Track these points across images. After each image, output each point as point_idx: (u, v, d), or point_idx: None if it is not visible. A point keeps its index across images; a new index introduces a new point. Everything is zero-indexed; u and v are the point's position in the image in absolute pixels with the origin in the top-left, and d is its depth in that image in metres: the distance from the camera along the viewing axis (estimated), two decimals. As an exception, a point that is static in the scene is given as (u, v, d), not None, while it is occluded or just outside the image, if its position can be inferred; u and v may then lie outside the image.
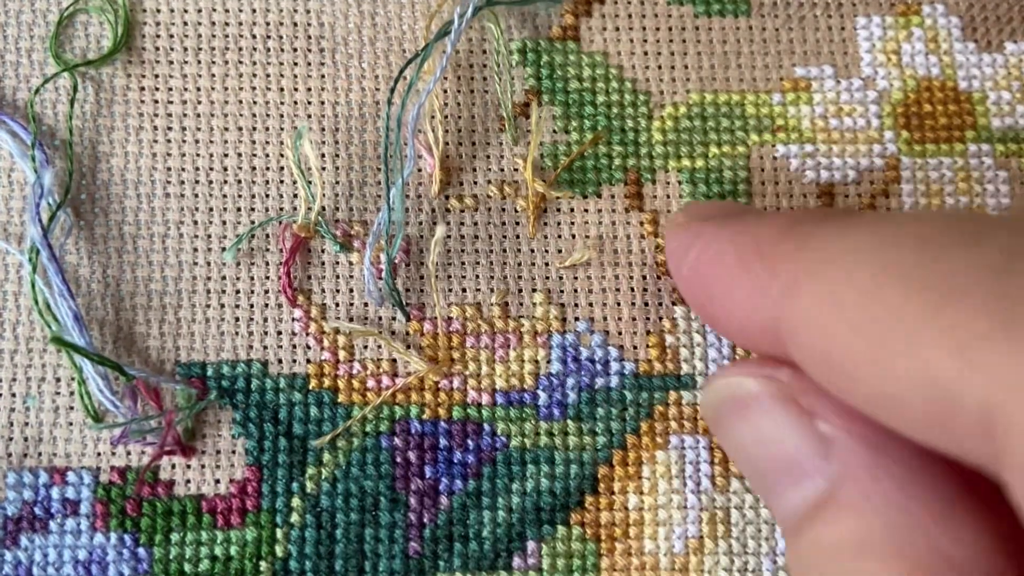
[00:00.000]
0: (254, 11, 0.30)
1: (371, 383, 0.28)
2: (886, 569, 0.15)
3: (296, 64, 0.30)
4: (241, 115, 0.30)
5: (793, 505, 0.18)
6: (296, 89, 0.30)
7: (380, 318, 0.29)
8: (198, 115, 0.30)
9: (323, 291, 0.29)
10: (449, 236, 0.29)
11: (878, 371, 0.15)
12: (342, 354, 0.28)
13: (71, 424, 0.28)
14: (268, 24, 0.30)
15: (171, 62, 0.30)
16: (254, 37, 0.30)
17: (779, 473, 0.18)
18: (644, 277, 0.29)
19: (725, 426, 0.20)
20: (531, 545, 0.28)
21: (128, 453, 0.28)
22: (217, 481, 0.28)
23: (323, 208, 0.29)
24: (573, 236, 0.29)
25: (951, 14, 0.31)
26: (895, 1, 0.31)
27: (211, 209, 0.29)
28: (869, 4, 0.31)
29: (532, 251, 0.29)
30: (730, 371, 0.20)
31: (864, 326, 0.15)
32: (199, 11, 0.30)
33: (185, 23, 0.30)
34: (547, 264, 0.29)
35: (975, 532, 0.16)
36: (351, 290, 0.29)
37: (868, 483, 0.16)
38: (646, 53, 0.31)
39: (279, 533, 0.27)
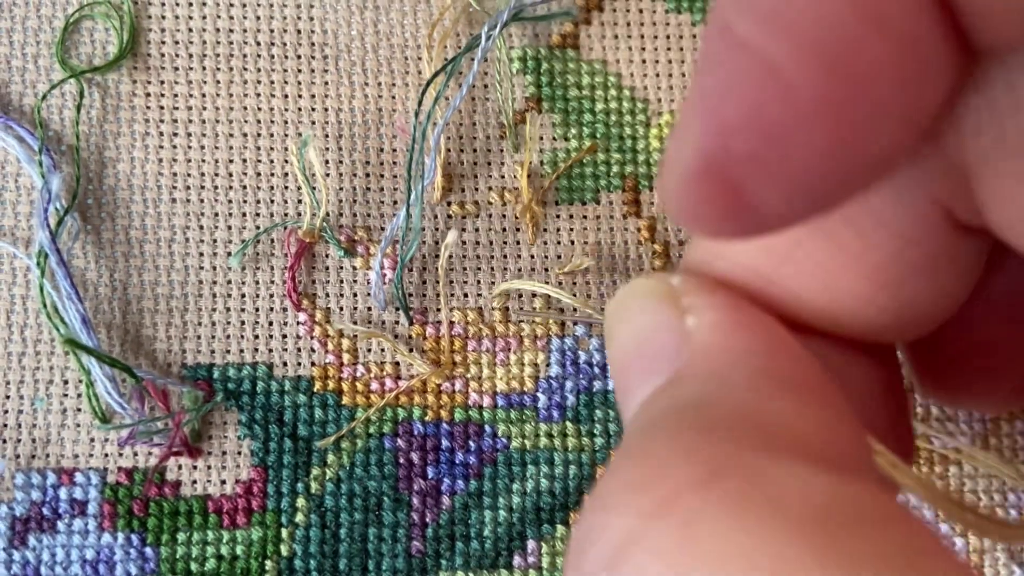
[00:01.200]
0: (258, 18, 0.31)
1: (375, 385, 0.29)
2: (708, 434, 0.14)
3: (300, 71, 0.31)
4: (246, 121, 0.30)
5: (641, 393, 0.17)
6: (300, 96, 0.30)
7: (383, 322, 0.29)
8: (203, 121, 0.30)
9: (327, 295, 0.29)
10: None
11: None
12: (346, 357, 0.29)
13: (79, 426, 0.28)
14: (272, 31, 0.31)
15: (176, 68, 0.30)
16: (258, 44, 0.31)
17: (636, 365, 0.17)
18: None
19: (608, 326, 0.19)
20: (531, 544, 0.28)
21: (135, 454, 0.28)
22: (223, 482, 0.28)
23: (327, 214, 0.29)
24: (572, 243, 0.30)
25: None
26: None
27: (216, 214, 0.30)
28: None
29: (532, 257, 0.30)
30: (636, 278, 0.19)
31: None
32: (204, 18, 0.31)
33: (190, 30, 0.31)
34: (547, 270, 0.30)
35: (809, 408, 0.15)
36: (355, 294, 0.29)
37: (711, 362, 0.16)
38: (644, 61, 0.31)
39: (284, 533, 0.28)
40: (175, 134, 0.30)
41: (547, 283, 0.29)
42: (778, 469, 0.13)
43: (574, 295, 0.29)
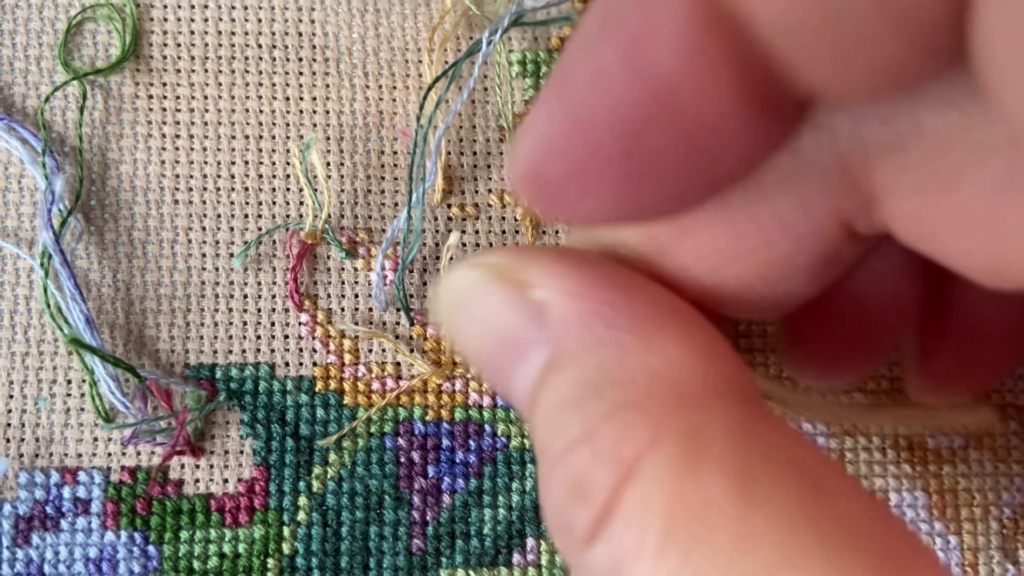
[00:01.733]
0: (260, 21, 0.31)
1: (376, 385, 0.29)
2: (603, 403, 0.15)
3: (301, 73, 0.31)
4: (248, 123, 0.30)
5: (524, 383, 0.17)
6: (301, 98, 0.31)
7: (385, 323, 0.30)
8: (205, 123, 0.30)
9: (329, 296, 0.30)
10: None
11: None
12: (348, 357, 0.29)
13: (82, 425, 0.29)
14: (274, 34, 0.31)
15: (178, 71, 0.31)
16: (260, 47, 0.31)
17: (505, 355, 0.17)
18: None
19: (454, 327, 0.19)
20: (531, 542, 0.28)
21: (138, 453, 0.28)
22: (225, 480, 0.28)
23: (329, 216, 0.30)
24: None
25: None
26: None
27: (219, 216, 0.30)
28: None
29: (532, 258, 0.30)
30: (450, 273, 0.19)
31: None
32: (206, 20, 0.31)
33: (192, 32, 0.31)
34: (547, 271, 0.30)
35: (683, 345, 0.16)
36: (356, 295, 0.30)
37: (582, 332, 0.16)
38: (642, 64, 0.31)
39: (286, 531, 0.28)
40: (177, 136, 0.30)
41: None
42: (696, 417, 0.15)
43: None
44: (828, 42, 0.12)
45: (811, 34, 0.12)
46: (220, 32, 0.31)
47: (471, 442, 0.29)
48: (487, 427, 0.29)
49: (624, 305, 0.16)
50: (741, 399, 0.15)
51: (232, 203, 0.30)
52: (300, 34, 0.31)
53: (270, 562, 0.28)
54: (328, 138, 0.30)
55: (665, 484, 0.14)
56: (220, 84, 0.31)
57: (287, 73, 0.31)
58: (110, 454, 0.28)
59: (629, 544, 0.14)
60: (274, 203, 0.30)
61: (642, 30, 0.13)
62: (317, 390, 0.29)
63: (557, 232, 0.30)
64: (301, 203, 0.30)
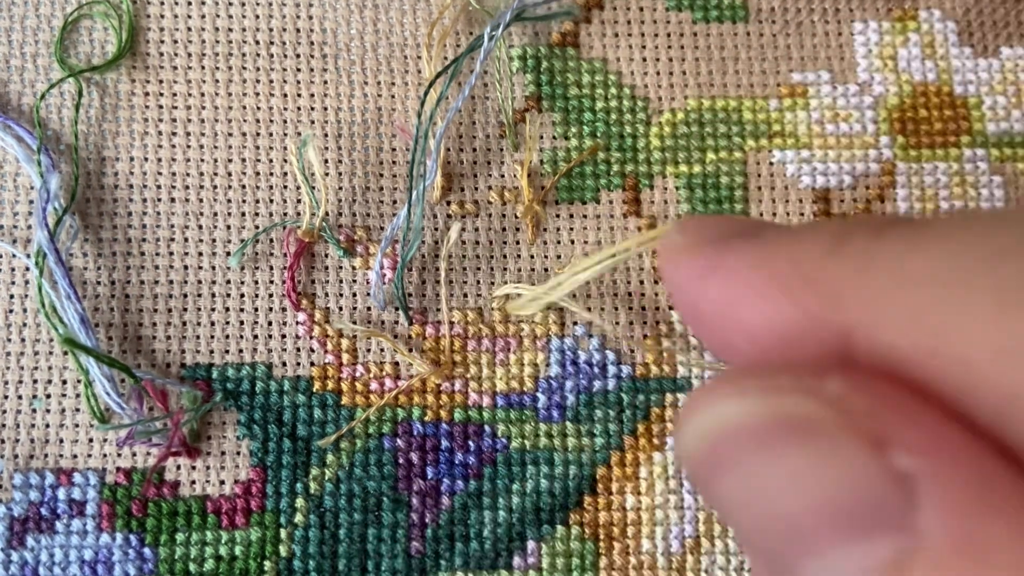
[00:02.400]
0: (257, 17, 0.31)
1: (374, 385, 0.29)
2: None
3: (299, 70, 0.30)
4: (245, 120, 0.30)
5: (832, 566, 0.13)
6: (299, 95, 0.30)
7: (383, 322, 0.29)
8: (202, 120, 0.30)
9: (327, 295, 0.29)
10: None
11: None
12: (345, 357, 0.29)
13: (77, 426, 0.28)
14: (271, 30, 0.31)
15: (175, 67, 0.30)
16: (257, 43, 0.31)
17: (832, 528, 0.13)
18: (641, 282, 0.29)
19: (732, 473, 0.14)
20: (531, 544, 0.28)
21: (133, 454, 0.28)
22: (222, 482, 0.28)
23: (327, 213, 0.29)
24: (572, 242, 0.30)
25: (947, 19, 0.32)
26: (892, 7, 0.32)
27: (215, 214, 0.30)
28: (866, 10, 0.32)
29: (532, 256, 0.30)
30: (727, 389, 0.14)
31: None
32: (203, 17, 0.31)
33: (189, 29, 0.31)
34: (546, 270, 0.30)
35: None
36: (354, 294, 0.29)
37: (963, 530, 0.12)
38: (644, 59, 0.31)
39: (283, 533, 0.28)
40: (174, 133, 0.30)
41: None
42: None
43: (574, 296, 0.29)
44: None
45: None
46: (217, 28, 0.31)
47: (470, 443, 0.28)
48: (487, 428, 0.28)
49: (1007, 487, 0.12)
50: None
51: (229, 201, 0.30)
52: (298, 30, 0.31)
53: (267, 564, 0.28)
54: (326, 135, 0.30)
55: None
56: (217, 81, 0.30)
57: (284, 70, 0.30)
58: (105, 455, 0.28)
59: None
60: (271, 201, 0.30)
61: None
62: (315, 390, 0.29)
63: (559, 230, 0.30)
64: (299, 201, 0.30)
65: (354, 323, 0.29)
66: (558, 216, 0.30)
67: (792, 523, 0.13)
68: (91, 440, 0.28)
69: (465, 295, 0.29)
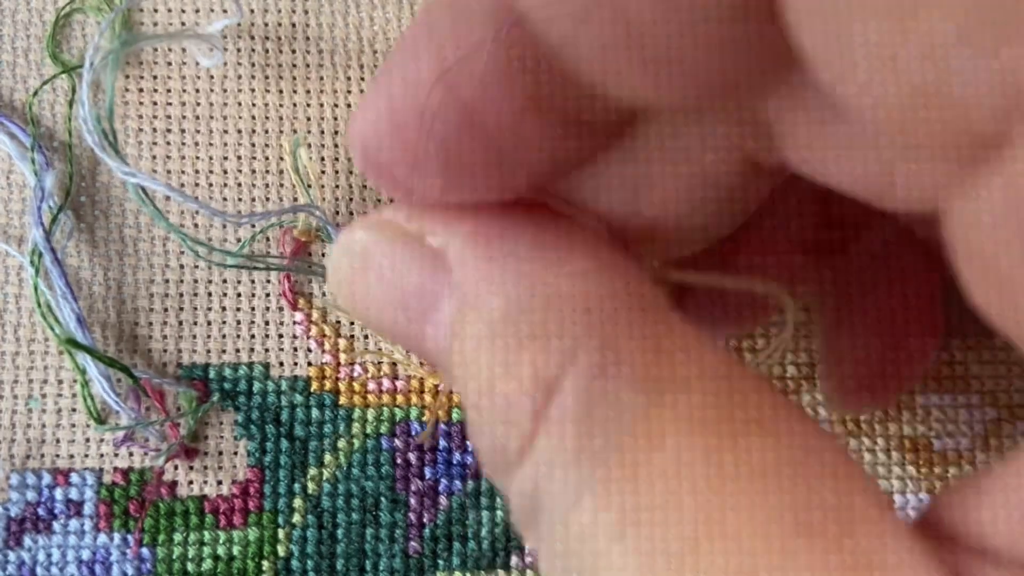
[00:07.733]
0: (252, 11, 0.30)
1: (372, 386, 0.29)
2: (517, 334, 0.15)
3: (295, 66, 0.30)
4: (240, 117, 0.30)
5: (441, 335, 0.17)
6: (295, 91, 0.30)
7: (380, 322, 0.29)
8: (197, 117, 0.30)
9: (324, 295, 0.29)
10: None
11: None
12: (343, 357, 0.29)
13: (74, 426, 0.28)
14: (266, 25, 0.30)
15: (169, 63, 0.30)
16: (252, 38, 0.30)
17: (415, 311, 0.17)
18: (641, 281, 0.29)
19: (355, 293, 0.18)
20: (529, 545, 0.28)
21: (131, 454, 0.28)
22: (219, 482, 0.28)
23: (323, 212, 0.29)
24: (571, 241, 0.30)
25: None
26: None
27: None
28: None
29: (531, 256, 0.29)
30: (343, 236, 0.18)
31: None
32: (196, 11, 0.30)
33: (183, 24, 0.30)
34: (546, 270, 0.29)
35: (587, 265, 0.16)
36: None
37: (484, 269, 0.16)
38: (644, 56, 0.31)
39: (281, 533, 0.28)
40: (168, 130, 0.30)
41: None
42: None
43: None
44: (628, 59, 0.13)
45: (611, 52, 0.13)
46: (211, 23, 0.30)
47: (468, 443, 0.28)
48: (485, 428, 0.28)
49: (521, 235, 0.16)
50: (651, 310, 0.16)
51: (225, 199, 0.29)
52: (293, 25, 0.30)
53: (265, 564, 0.28)
54: (323, 132, 0.30)
55: (580, 394, 0.14)
56: (211, 77, 0.30)
57: (280, 65, 0.30)
58: (102, 455, 0.28)
59: (549, 453, 0.15)
60: (267, 199, 0.29)
61: (452, 51, 0.15)
62: (312, 390, 0.28)
63: (556, 228, 0.30)
64: (295, 199, 0.29)
65: (352, 323, 0.29)
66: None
67: (400, 318, 0.17)
68: (88, 440, 0.28)
69: (463, 295, 0.29)
